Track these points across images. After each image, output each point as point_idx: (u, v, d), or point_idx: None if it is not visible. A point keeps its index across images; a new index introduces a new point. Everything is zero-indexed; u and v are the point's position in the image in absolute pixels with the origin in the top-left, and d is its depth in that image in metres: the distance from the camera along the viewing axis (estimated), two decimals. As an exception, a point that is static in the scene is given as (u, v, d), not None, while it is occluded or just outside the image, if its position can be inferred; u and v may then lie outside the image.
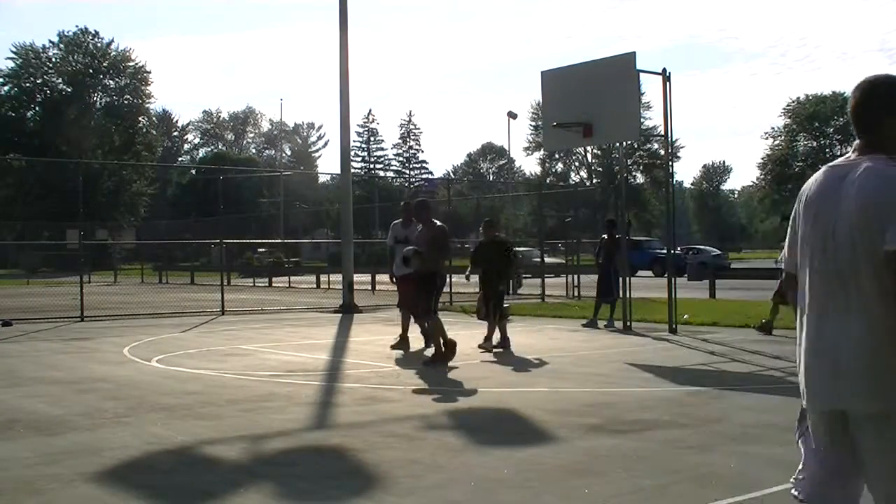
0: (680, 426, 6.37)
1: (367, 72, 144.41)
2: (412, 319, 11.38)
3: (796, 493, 2.98)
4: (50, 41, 71.84)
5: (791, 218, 2.96)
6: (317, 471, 5.34)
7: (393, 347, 11.46)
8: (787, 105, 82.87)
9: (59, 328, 16.00)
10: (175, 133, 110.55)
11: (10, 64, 68.61)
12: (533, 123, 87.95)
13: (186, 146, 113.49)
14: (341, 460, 5.58)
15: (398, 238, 11.76)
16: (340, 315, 18.05)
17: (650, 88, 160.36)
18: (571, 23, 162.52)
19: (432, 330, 10.12)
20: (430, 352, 10.47)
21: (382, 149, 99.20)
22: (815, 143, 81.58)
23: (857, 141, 2.86)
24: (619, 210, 17.89)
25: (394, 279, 11.84)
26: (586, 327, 14.64)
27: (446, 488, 4.81)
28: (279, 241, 47.69)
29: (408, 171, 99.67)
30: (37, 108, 69.55)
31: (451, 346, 10.00)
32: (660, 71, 13.44)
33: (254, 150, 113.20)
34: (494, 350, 11.24)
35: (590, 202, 49.44)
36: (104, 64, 71.23)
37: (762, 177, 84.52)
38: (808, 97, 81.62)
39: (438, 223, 10.75)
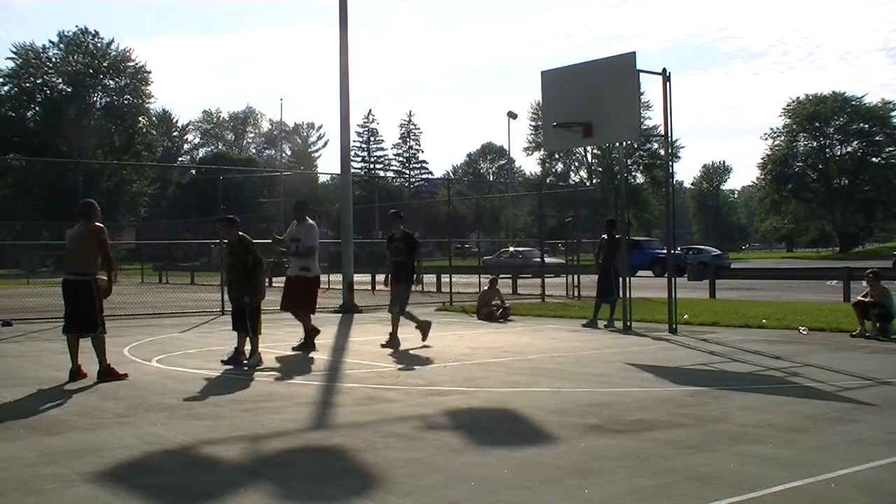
0: (680, 426, 6.36)
1: (367, 72, 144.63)
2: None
3: None
4: (50, 41, 72.17)
5: None
6: (317, 471, 5.33)
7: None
8: (787, 105, 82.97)
9: (59, 328, 15.91)
10: (175, 133, 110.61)
11: (10, 64, 68.90)
12: (533, 123, 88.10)
13: (186, 146, 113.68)
14: (341, 460, 5.57)
15: (291, 237, 12.00)
16: (340, 315, 18.05)
17: (650, 88, 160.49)
18: (571, 22, 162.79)
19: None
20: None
21: (382, 149, 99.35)
22: (815, 143, 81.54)
23: None
24: (619, 210, 17.88)
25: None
26: (586, 327, 14.64)
27: (446, 488, 4.80)
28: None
29: (408, 171, 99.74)
30: (37, 108, 69.65)
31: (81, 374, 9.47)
32: (660, 71, 13.44)
33: (254, 150, 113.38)
34: (244, 365, 10.22)
35: (590, 202, 49.43)
36: (104, 64, 71.31)
37: (762, 177, 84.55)
38: (808, 97, 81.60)
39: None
